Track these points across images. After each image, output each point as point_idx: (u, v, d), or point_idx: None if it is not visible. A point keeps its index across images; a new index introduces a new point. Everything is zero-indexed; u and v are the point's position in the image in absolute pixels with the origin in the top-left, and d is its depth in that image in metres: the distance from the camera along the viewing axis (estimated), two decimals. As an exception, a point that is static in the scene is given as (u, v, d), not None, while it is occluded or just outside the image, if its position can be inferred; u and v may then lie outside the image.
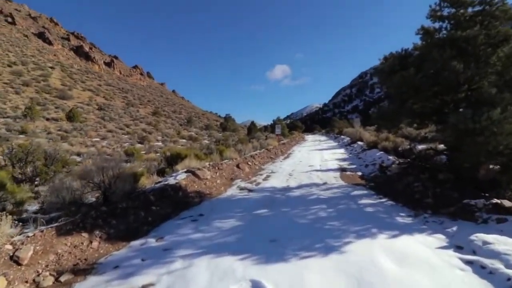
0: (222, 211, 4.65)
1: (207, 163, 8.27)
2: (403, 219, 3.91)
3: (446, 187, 4.60)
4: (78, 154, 15.29)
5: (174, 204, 5.01)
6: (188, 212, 4.70)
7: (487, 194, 3.79)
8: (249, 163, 10.33)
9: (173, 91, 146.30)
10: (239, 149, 12.52)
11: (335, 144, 20.36)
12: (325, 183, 6.64)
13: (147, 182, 6.20)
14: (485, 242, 2.64)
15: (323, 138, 32.21)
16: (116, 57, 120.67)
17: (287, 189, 6.23)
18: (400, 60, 5.50)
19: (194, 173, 6.73)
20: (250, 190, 6.28)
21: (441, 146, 8.13)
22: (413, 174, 6.00)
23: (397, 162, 7.44)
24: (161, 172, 7.84)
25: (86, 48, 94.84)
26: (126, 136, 25.78)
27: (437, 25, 5.33)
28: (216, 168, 8.16)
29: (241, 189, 6.46)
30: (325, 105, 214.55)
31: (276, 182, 7.17)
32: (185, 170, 6.99)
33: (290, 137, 33.67)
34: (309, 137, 37.35)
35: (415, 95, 5.07)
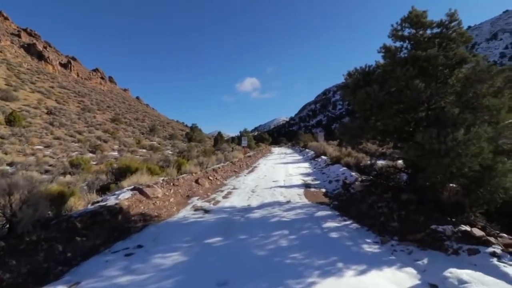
0: (166, 241, 3.90)
1: (161, 179, 7.38)
2: (370, 246, 3.55)
3: (410, 209, 4.41)
4: (10, 164, 13.12)
5: (108, 232, 4.12)
6: (124, 243, 3.85)
7: (453, 219, 3.62)
8: (210, 177, 9.60)
9: (137, 97, 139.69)
10: (200, 162, 11.71)
11: (300, 157, 20.45)
12: (288, 202, 6.20)
13: (80, 203, 5.18)
14: (461, 281, 2.32)
15: (289, 151, 32.52)
16: (74, 59, 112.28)
17: (248, 209, 5.65)
18: (364, 76, 5.39)
19: (141, 191, 5.85)
20: (206, 211, 5.58)
21: (400, 163, 8.31)
22: (376, 193, 5.84)
23: (359, 179, 7.33)
24: (105, 189, 6.77)
25: (40, 47, 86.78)
26: (76, 144, 23.23)
27: (398, 44, 5.35)
28: (171, 184, 7.32)
29: (196, 209, 5.72)
30: (291, 118, 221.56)
31: (236, 200, 6.56)
32: (132, 187, 6.07)
33: (256, 149, 33.43)
34: (276, 150, 37.53)
35: (379, 112, 4.93)
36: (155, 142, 33.78)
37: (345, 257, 3.15)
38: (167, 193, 6.74)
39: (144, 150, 26.17)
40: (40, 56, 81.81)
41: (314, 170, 12.28)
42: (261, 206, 5.85)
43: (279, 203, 6.08)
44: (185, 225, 4.65)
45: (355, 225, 4.48)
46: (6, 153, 14.94)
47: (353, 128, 5.06)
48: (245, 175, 11.26)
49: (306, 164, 14.97)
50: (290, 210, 5.40)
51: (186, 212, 5.52)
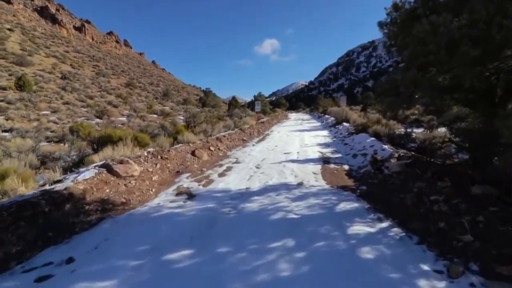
0: (111, 252, 2.63)
1: (146, 151, 6.10)
2: (430, 283, 2.07)
3: (491, 212, 2.79)
4: (9, 131, 12.50)
5: (40, 232, 2.91)
6: (53, 252, 2.63)
7: None
8: (212, 147, 8.25)
9: (153, 61, 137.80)
10: (204, 129, 10.34)
11: (318, 124, 18.56)
12: (300, 184, 4.74)
13: (31, 187, 4.02)
14: None
15: (306, 117, 30.41)
16: (88, 22, 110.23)
17: (245, 195, 4.26)
18: (426, 0, 3.42)
19: (110, 169, 4.58)
20: (190, 196, 4.26)
21: (445, 134, 6.42)
22: (424, 177, 4.20)
23: (395, 155, 5.63)
24: (79, 164, 5.61)
25: (53, 10, 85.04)
26: (84, 110, 22.59)
27: None
28: (159, 157, 6.03)
29: (180, 193, 4.42)
30: (310, 82, 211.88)
31: (234, 180, 5.19)
32: (102, 163, 4.82)
33: (272, 115, 31.56)
34: (293, 116, 35.45)
35: (447, 56, 3.08)
36: (167, 108, 32.78)
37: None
38: (151, 169, 5.48)
39: (154, 116, 25.24)
40: (53, 20, 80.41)
41: (334, 139, 10.57)
42: (263, 191, 4.43)
43: (288, 187, 4.63)
44: (152, 221, 3.35)
45: (397, 231, 2.96)
46: (8, 119, 14.36)
47: (404, 83, 3.26)
48: (253, 145, 9.81)
49: (325, 132, 13.21)
50: (301, 199, 3.94)
51: (164, 198, 4.23)
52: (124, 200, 4.03)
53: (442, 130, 9.69)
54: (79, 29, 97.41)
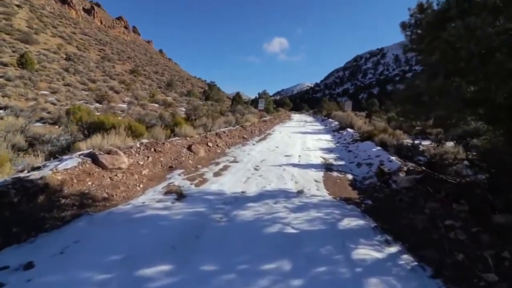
0: (79, 258, 2.27)
1: (139, 142, 5.73)
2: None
3: (521, 248, 2.43)
4: (3, 108, 12.12)
5: (1, 227, 2.55)
6: (12, 254, 2.28)
7: None
8: (210, 143, 7.89)
9: (160, 50, 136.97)
10: (203, 123, 9.97)
11: (321, 127, 18.18)
12: (300, 193, 4.37)
13: (6, 172, 3.65)
14: None
15: (309, 119, 29.99)
16: (98, 5, 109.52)
17: (239, 200, 3.90)
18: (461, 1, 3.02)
19: (95, 159, 4.22)
20: (180, 197, 3.90)
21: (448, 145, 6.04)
22: (436, 197, 3.83)
23: (404, 168, 5.25)
24: (65, 151, 5.24)
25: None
26: (85, 93, 22.18)
27: None
28: (152, 149, 5.66)
29: (169, 192, 4.06)
30: (316, 84, 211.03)
31: (230, 181, 4.82)
32: (88, 152, 4.45)
33: (275, 114, 31.15)
34: (296, 116, 35.05)
35: (481, 67, 2.69)
36: (169, 98, 32.36)
37: None
38: (142, 162, 5.11)
39: (156, 105, 24.83)
40: (63, 0, 79.80)
41: (338, 145, 10.19)
42: (260, 197, 4.06)
43: (287, 194, 4.26)
44: (133, 223, 2.99)
45: (407, 259, 2.60)
46: (4, 96, 13.98)
47: (428, 91, 2.87)
48: (253, 144, 9.44)
49: (328, 137, 12.83)
50: (300, 211, 3.58)
51: (151, 196, 3.87)
52: (106, 195, 3.66)
53: (450, 144, 9.33)
54: (88, 11, 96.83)
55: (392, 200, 4.21)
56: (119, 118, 7.35)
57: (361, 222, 3.38)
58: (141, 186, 4.23)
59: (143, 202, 3.59)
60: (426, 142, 9.46)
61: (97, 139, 4.98)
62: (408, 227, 3.29)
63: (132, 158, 5.03)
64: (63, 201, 3.24)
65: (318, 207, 3.77)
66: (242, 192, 4.25)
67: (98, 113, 15.32)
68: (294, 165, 6.41)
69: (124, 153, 4.99)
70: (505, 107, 3.23)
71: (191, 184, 4.52)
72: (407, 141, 9.39)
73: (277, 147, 8.83)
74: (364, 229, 3.19)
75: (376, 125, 10.90)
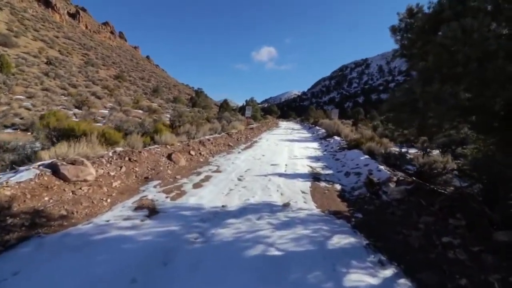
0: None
1: (111, 151, 5.25)
2: None
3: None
4: (-31, 113, 11.20)
5: None
6: None
7: None
8: (192, 152, 7.46)
9: (147, 57, 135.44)
10: (186, 130, 9.54)
11: (308, 135, 18.08)
12: (286, 206, 4.04)
13: None
14: None
15: (296, 126, 30.01)
16: (83, 9, 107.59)
17: (219, 215, 3.52)
18: (455, 2, 2.84)
19: (56, 171, 3.73)
20: (152, 212, 3.48)
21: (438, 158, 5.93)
22: (430, 210, 3.60)
23: (394, 178, 5.05)
24: (25, 161, 4.68)
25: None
26: (64, 98, 21.19)
27: None
28: (126, 158, 5.20)
29: (139, 207, 3.62)
30: (303, 93, 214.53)
31: (210, 193, 4.42)
32: (49, 162, 3.96)
33: (262, 121, 30.98)
34: (283, 124, 35.03)
35: (480, 71, 2.50)
36: (155, 104, 31.62)
37: None
38: (113, 173, 4.64)
39: (140, 111, 24.06)
40: (47, 3, 77.90)
41: (325, 153, 9.99)
42: (242, 211, 3.70)
43: (272, 208, 3.91)
44: (90, 247, 2.54)
45: (404, 284, 2.30)
46: (-28, 99, 12.98)
47: (424, 97, 2.64)
48: (239, 152, 9.08)
49: (315, 145, 12.66)
50: (286, 227, 3.23)
51: (118, 212, 3.42)
52: (65, 213, 3.19)
53: (436, 152, 9.32)
54: (73, 15, 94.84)
55: (383, 213, 3.95)
56: (94, 124, 6.83)
57: (352, 239, 3.07)
58: (108, 200, 3.76)
59: (108, 221, 3.14)
60: (412, 150, 9.44)
61: (62, 147, 4.48)
62: (403, 245, 3.01)
63: (103, 169, 4.56)
64: (10, 221, 2.75)
65: (306, 222, 3.44)
66: (223, 206, 3.87)
67: (76, 119, 14.56)
68: (280, 174, 6.09)
69: (94, 163, 4.52)
70: (499, 115, 3.06)
71: (167, 197, 4.09)
72: (394, 149, 9.32)
73: (263, 156, 8.52)
74: (355, 248, 2.88)
75: (363, 133, 10.83)
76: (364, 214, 3.98)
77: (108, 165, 4.77)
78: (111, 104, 24.13)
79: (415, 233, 3.15)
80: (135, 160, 5.35)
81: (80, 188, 3.76)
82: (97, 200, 3.67)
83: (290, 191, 4.85)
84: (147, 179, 4.98)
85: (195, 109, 33.52)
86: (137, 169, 5.18)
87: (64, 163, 3.89)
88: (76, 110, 17.97)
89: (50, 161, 4.03)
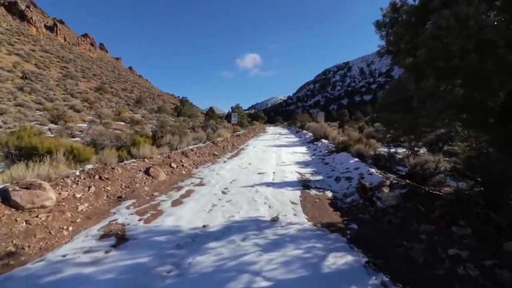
0: None
1: (77, 170, 4.73)
2: None
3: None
4: None
5: None
6: None
7: None
8: (174, 164, 6.99)
9: (130, 67, 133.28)
10: (168, 141, 9.05)
11: (296, 139, 17.87)
12: (275, 221, 3.66)
13: None
14: None
15: (284, 131, 29.88)
16: (61, 22, 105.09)
17: (199, 238, 3.09)
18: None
19: (7, 198, 3.21)
20: (120, 241, 3.01)
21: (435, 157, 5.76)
22: (429, 216, 3.31)
23: (387, 182, 4.77)
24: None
25: (22, 6, 79.75)
26: (39, 113, 20.12)
27: None
28: (96, 177, 4.68)
29: (106, 234, 3.14)
30: (289, 98, 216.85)
31: (190, 211, 3.98)
32: (1, 187, 3.42)
33: (249, 127, 30.68)
34: (270, 129, 34.86)
35: (479, 62, 2.25)
36: (138, 115, 30.72)
37: None
38: (80, 195, 4.12)
39: (122, 123, 23.18)
40: (22, 16, 75.40)
41: (314, 157, 9.73)
42: (226, 231, 3.28)
43: (259, 225, 3.52)
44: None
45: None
46: None
47: (419, 94, 2.36)
48: (224, 162, 8.65)
49: (303, 149, 12.41)
50: (275, 248, 2.85)
51: (80, 244, 2.92)
52: (13, 249, 2.67)
53: (423, 151, 9.24)
54: (50, 28, 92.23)
55: (379, 222, 3.64)
56: (63, 140, 6.23)
57: (349, 258, 2.72)
58: (70, 229, 3.26)
59: (64, 255, 2.64)
60: (400, 150, 9.31)
61: (20, 169, 3.93)
62: (405, 260, 2.69)
63: (67, 191, 4.03)
64: None
65: (297, 240, 3.07)
66: (204, 226, 3.44)
67: (51, 135, 13.70)
68: (268, 184, 5.72)
69: (56, 185, 3.99)
70: (494, 111, 2.83)
71: (140, 219, 3.62)
72: (382, 149, 9.17)
73: (250, 164, 8.13)
74: (354, 269, 2.53)
75: (351, 135, 10.67)
76: (359, 225, 3.66)
77: (74, 186, 4.24)
78: (90, 117, 23.14)
79: (417, 245, 2.84)
80: (107, 178, 4.83)
81: (37, 216, 3.24)
82: (55, 229, 3.16)
83: (279, 202, 4.48)
84: (120, 199, 4.48)
85: (181, 118, 32.86)
86: (109, 188, 4.67)
87: (17, 188, 3.36)
88: (52, 125, 17.03)
89: (2, 186, 3.49)
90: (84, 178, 4.52)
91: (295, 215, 3.95)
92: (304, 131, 21.60)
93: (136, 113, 33.07)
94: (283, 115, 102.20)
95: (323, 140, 13.30)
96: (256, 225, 3.50)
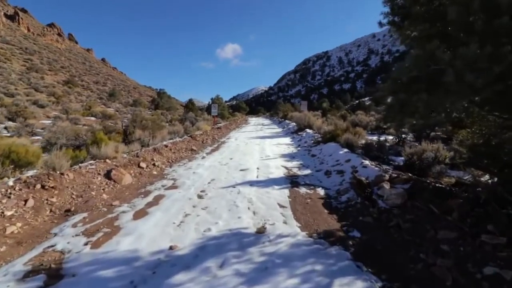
0: None
1: (11, 180, 3.76)
2: None
3: None
4: None
5: None
6: None
7: None
8: (143, 163, 6.09)
9: (103, 59, 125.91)
10: (138, 137, 8.06)
11: (279, 130, 17.25)
12: (261, 233, 2.97)
13: None
14: None
15: (266, 122, 29.20)
16: (24, 11, 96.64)
17: (161, 269, 2.33)
18: None
19: None
20: (52, 279, 2.18)
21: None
22: (446, 219, 2.75)
23: (386, 176, 4.21)
24: None
25: (-24, -6, 72.27)
26: (-6, 110, 17.99)
27: None
28: (37, 187, 3.74)
29: (34, 270, 2.31)
30: (270, 88, 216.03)
31: (156, 226, 3.19)
32: None
33: (231, 119, 29.70)
34: (253, 120, 34.05)
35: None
36: (111, 109, 28.74)
37: None
38: (11, 212, 3.19)
39: (92, 118, 21.39)
40: (-25, 5, 68.33)
41: (299, 149, 9.13)
42: (199, 254, 2.55)
43: (241, 240, 2.81)
44: None
45: None
46: None
47: (458, 64, 1.69)
48: (203, 157, 7.82)
49: (288, 140, 11.80)
50: (263, 278, 2.16)
51: (-12, 290, 2.08)
52: None
53: (409, 137, 8.89)
54: (11, 17, 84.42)
55: (386, 228, 3.05)
56: (3, 141, 5.11)
57: (359, 284, 2.09)
58: (-17, 265, 2.38)
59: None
60: (386, 137, 8.91)
61: None
62: (429, 282, 2.09)
63: (-10, 208, 3.10)
64: None
65: (290, 261, 2.39)
66: (171, 248, 2.67)
67: (7, 134, 12.13)
68: (252, 183, 5.01)
69: (-25, 201, 3.04)
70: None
71: (87, 243, 2.78)
72: (371, 138, 8.73)
73: (231, 159, 7.37)
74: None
75: (338, 124, 10.15)
76: (362, 232, 3.04)
77: (4, 200, 3.30)
78: (56, 113, 21.16)
79: (441, 260, 2.25)
80: (52, 187, 3.90)
81: None
82: (-42, 269, 2.27)
83: (265, 206, 3.79)
84: (68, 213, 3.59)
85: (158, 111, 31.20)
86: (54, 199, 3.75)
87: None
88: (10, 123, 15.20)
89: None
90: (20, 189, 3.57)
91: (285, 222, 3.28)
92: (287, 121, 21.03)
93: (109, 107, 30.99)
94: (265, 105, 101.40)
95: (308, 130, 12.75)
96: (238, 241, 2.78)
